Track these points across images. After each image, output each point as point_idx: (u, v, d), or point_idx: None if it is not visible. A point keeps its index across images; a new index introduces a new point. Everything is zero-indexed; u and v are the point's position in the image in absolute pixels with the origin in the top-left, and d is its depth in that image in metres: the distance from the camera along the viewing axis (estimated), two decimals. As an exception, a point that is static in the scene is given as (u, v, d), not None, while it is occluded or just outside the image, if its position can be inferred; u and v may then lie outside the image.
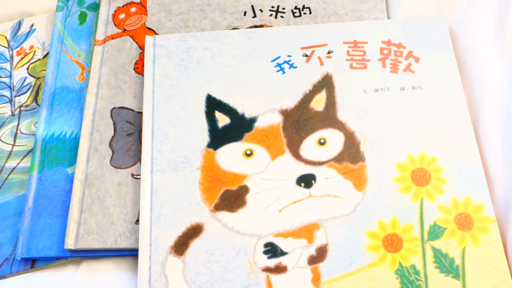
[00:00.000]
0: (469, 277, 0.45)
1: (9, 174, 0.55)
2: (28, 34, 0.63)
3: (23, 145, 0.56)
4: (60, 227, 0.50)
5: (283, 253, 0.46)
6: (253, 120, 0.51)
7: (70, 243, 0.48)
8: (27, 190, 0.52)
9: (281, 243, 0.46)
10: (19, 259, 0.50)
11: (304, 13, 0.58)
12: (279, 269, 0.46)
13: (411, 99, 0.51)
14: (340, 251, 0.46)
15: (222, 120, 0.51)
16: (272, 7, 0.59)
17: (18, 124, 0.58)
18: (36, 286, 0.49)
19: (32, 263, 0.50)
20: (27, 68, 0.61)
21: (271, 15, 0.59)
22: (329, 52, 0.53)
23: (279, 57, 0.54)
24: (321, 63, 0.53)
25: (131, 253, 0.49)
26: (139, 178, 0.51)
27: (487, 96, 0.52)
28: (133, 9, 0.60)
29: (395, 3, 0.59)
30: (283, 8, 0.59)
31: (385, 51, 0.53)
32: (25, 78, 0.60)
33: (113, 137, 0.53)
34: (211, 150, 0.50)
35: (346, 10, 0.58)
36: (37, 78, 0.60)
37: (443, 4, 0.58)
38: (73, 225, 0.49)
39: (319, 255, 0.46)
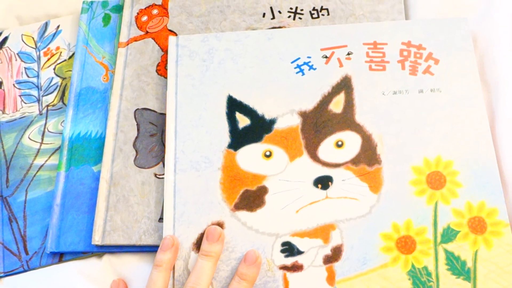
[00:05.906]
0: (480, 280, 0.48)
1: (37, 171, 0.59)
2: (54, 35, 0.66)
3: (50, 143, 0.60)
4: (87, 223, 0.55)
5: (299, 252, 0.50)
6: (272, 122, 0.54)
7: (97, 239, 0.53)
8: (55, 187, 0.57)
9: (298, 242, 0.50)
10: (49, 252, 0.55)
11: (322, 15, 0.60)
12: (296, 268, 0.50)
13: (429, 102, 0.53)
14: (355, 251, 0.50)
15: (243, 121, 0.54)
16: (291, 8, 0.61)
17: (45, 123, 0.62)
18: (64, 278, 0.54)
19: (60, 256, 0.55)
20: (54, 69, 0.64)
21: (289, 16, 0.61)
22: (348, 54, 0.56)
23: (299, 58, 0.56)
24: (341, 65, 0.56)
25: (153, 249, 0.53)
26: (162, 178, 0.55)
27: (505, 100, 0.54)
28: (155, 11, 0.62)
29: (413, 5, 0.60)
30: (301, 10, 0.61)
31: (405, 53, 0.55)
32: (52, 78, 0.64)
33: (136, 137, 0.57)
34: (231, 150, 0.53)
35: (364, 11, 0.60)
36: (63, 79, 0.64)
37: (460, 6, 0.59)
38: (99, 222, 0.54)
39: (334, 255, 0.50)
